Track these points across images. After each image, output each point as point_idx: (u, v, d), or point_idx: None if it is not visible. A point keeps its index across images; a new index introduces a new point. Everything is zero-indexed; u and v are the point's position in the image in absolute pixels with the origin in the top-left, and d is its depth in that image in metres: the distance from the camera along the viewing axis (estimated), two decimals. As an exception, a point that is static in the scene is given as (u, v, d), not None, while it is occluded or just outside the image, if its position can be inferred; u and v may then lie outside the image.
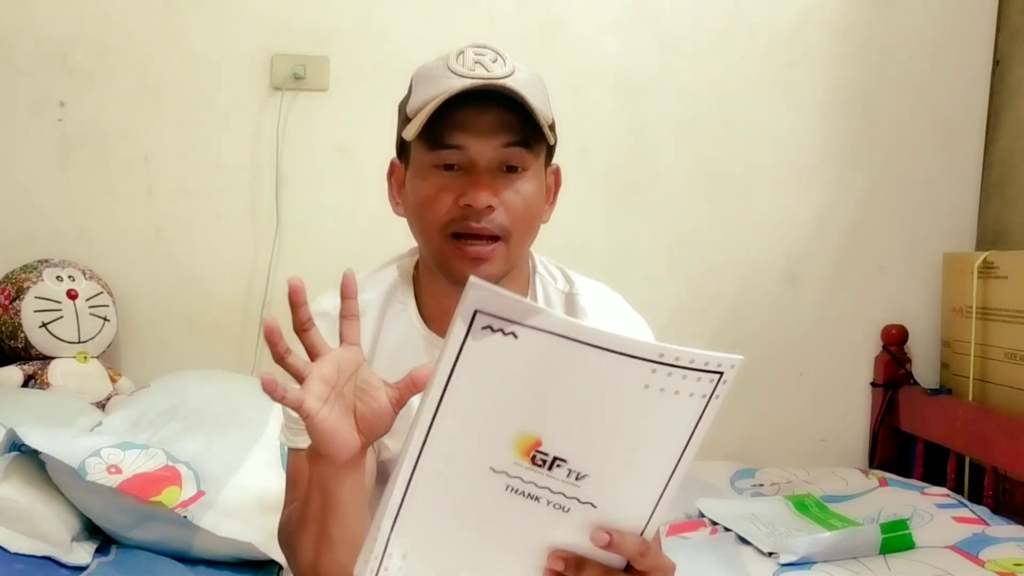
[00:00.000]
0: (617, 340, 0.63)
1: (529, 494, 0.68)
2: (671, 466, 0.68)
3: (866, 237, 2.26)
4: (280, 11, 2.10)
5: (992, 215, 2.24)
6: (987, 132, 2.27)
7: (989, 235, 2.24)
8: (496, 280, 0.99)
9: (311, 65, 2.09)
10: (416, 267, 1.10)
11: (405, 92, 1.03)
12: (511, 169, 0.97)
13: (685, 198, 2.23)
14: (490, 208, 0.95)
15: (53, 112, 2.05)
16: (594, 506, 0.69)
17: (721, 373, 0.64)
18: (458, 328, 0.62)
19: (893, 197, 2.26)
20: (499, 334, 0.62)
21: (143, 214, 2.09)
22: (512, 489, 0.68)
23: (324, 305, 1.07)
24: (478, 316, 0.62)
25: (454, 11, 2.13)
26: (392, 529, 0.69)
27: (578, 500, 0.68)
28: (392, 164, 1.06)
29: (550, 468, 0.67)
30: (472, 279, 0.61)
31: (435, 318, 1.05)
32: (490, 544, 0.71)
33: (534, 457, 0.66)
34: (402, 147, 1.03)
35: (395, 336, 1.05)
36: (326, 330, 1.06)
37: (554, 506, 0.68)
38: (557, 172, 1.07)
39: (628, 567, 0.73)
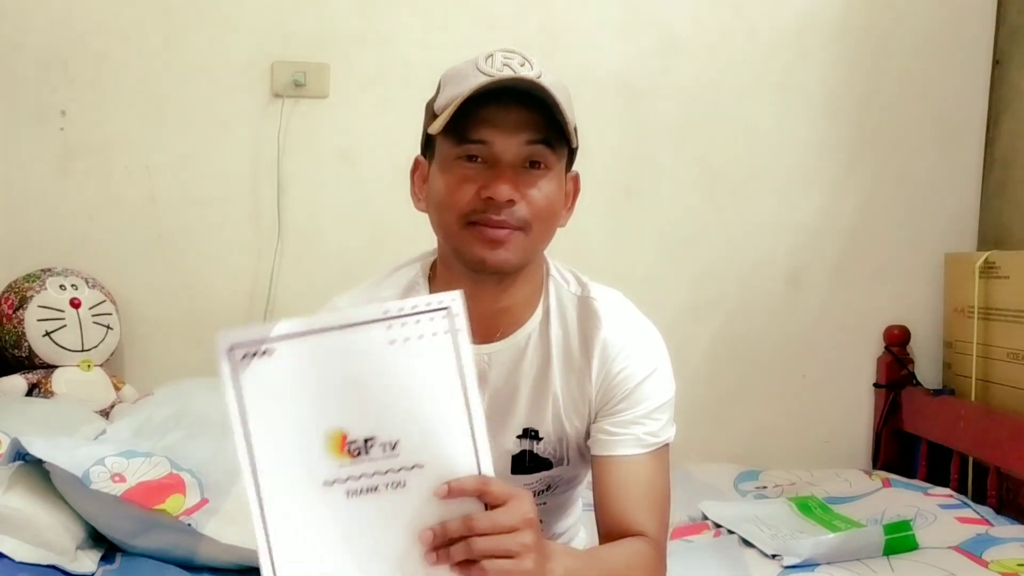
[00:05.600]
0: (346, 315, 0.72)
1: (368, 488, 0.73)
2: (461, 402, 0.74)
3: (867, 238, 2.27)
4: (280, 18, 2.10)
5: (993, 215, 2.24)
6: (987, 132, 2.27)
7: (990, 235, 2.24)
8: (512, 269, 1.01)
9: (311, 72, 2.09)
10: (433, 266, 1.12)
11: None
12: (533, 165, 0.99)
13: (686, 200, 2.23)
14: (511, 202, 0.97)
15: (55, 121, 2.05)
16: (421, 466, 0.74)
17: (447, 308, 0.74)
18: (224, 370, 0.71)
19: (894, 198, 2.26)
20: (256, 357, 0.70)
21: (145, 222, 2.09)
22: (352, 493, 0.73)
23: (340, 306, 1.08)
24: (232, 351, 0.70)
25: (454, 17, 2.13)
26: None
27: (405, 468, 0.74)
28: (416, 161, 1.09)
29: (367, 452, 0.73)
30: (218, 335, 0.70)
31: None
32: (365, 560, 0.75)
33: (350, 449, 0.73)
34: (427, 144, 1.06)
35: None
36: None
37: (392, 486, 0.74)
38: (576, 179, 1.09)
39: (486, 506, 0.76)
